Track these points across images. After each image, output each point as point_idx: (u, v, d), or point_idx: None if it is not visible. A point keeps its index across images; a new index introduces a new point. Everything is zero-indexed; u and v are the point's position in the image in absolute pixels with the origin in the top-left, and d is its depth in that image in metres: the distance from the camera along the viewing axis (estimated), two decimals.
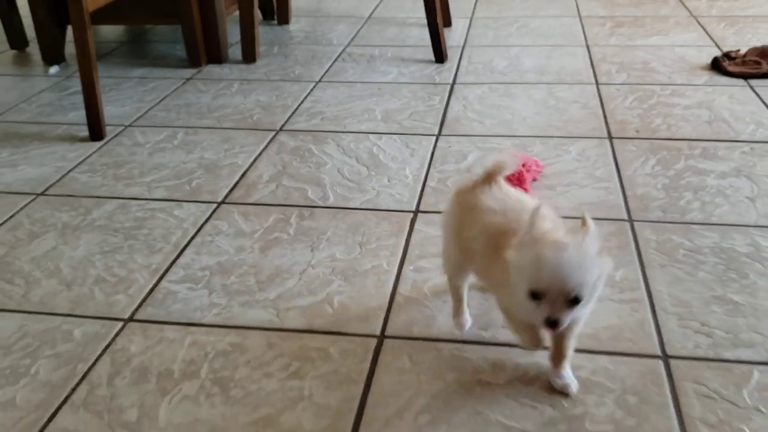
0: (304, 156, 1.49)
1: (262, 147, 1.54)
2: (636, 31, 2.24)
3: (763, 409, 0.82)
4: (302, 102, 1.78)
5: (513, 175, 1.31)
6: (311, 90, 1.86)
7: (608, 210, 1.24)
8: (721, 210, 1.22)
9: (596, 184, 1.33)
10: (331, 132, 1.60)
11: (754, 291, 1.02)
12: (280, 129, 1.63)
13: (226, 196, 1.34)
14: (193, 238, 1.21)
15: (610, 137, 1.52)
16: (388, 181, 1.38)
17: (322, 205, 1.30)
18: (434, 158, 1.46)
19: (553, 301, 0.73)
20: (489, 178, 0.89)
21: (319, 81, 1.92)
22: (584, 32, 2.26)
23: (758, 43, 2.03)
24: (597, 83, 1.82)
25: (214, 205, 1.31)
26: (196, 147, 1.55)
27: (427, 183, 1.37)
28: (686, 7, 2.48)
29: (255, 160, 1.48)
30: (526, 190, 1.28)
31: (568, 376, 0.85)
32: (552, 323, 0.74)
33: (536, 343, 0.84)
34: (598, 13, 2.46)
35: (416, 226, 1.22)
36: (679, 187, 1.30)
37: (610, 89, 1.78)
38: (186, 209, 1.30)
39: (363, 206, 1.29)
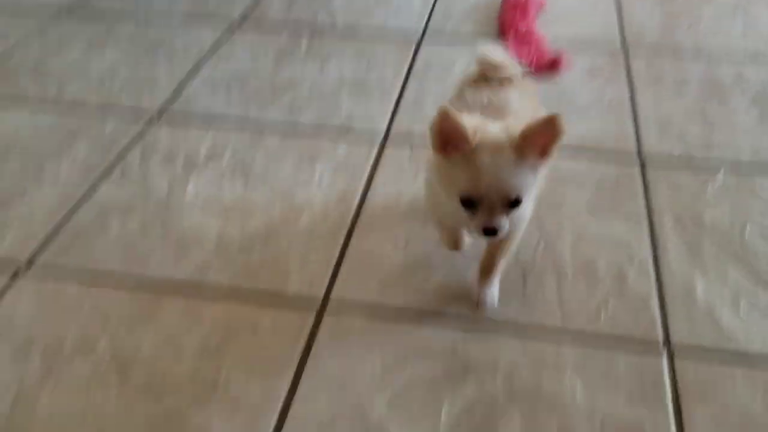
0: None
1: None
2: None
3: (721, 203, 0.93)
4: None
5: (516, 5, 1.37)
6: None
7: (605, 41, 1.31)
8: (710, 39, 1.29)
9: (596, 18, 1.39)
10: None
11: (733, 110, 1.10)
12: None
13: (244, 18, 1.40)
14: (211, 50, 1.29)
15: None
16: (395, 10, 1.43)
17: (330, 29, 1.37)
18: None
19: (490, 208, 0.65)
20: (481, 77, 0.80)
21: None
22: None
23: None
24: None
25: (229, 23, 1.38)
26: None
27: (434, 11, 1.42)
28: None
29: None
30: (528, 16, 1.34)
31: (491, 294, 0.79)
32: (490, 232, 0.66)
33: (457, 248, 0.82)
34: None
35: (422, 48, 1.30)
36: (676, 23, 1.36)
37: None
38: (203, 27, 1.37)
39: (371, 32, 1.35)
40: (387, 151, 1.03)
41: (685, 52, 1.26)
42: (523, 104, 0.76)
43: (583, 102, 1.13)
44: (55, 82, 1.19)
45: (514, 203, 0.64)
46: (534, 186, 0.66)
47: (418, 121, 1.07)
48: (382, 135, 1.06)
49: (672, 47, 1.28)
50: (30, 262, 0.84)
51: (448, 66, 1.22)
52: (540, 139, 0.62)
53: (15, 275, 0.83)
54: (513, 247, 0.77)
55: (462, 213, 0.66)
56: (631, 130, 1.06)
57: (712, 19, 1.37)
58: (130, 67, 1.23)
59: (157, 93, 1.16)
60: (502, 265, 0.78)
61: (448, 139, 0.63)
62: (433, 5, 1.44)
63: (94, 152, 1.02)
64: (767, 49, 1.27)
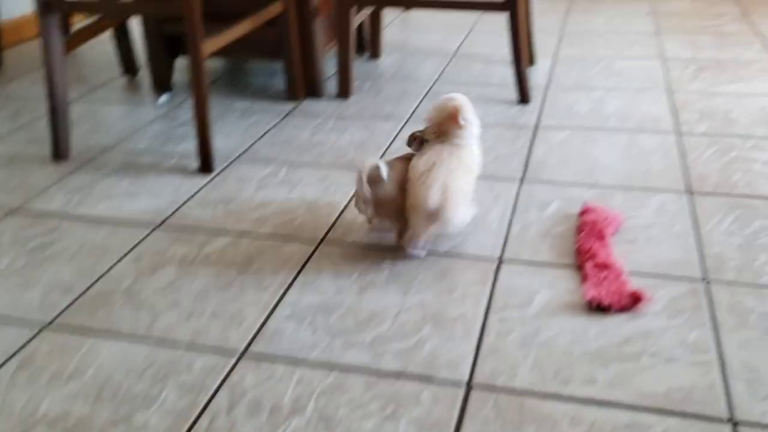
0: None
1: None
2: (718, 77, 2.27)
3: None
4: (393, 140, 1.90)
5: (593, 228, 1.39)
6: (402, 128, 1.98)
7: (685, 268, 1.31)
8: None
9: (673, 241, 1.40)
10: None
11: None
12: None
13: (325, 236, 1.47)
14: (295, 278, 1.34)
15: (690, 191, 1.58)
16: (473, 227, 1.48)
17: None
18: (518, 205, 1.55)
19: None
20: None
21: (408, 120, 2.04)
22: (667, 76, 2.30)
23: None
24: (678, 132, 1.88)
25: (314, 246, 1.44)
26: (298, 184, 1.69)
27: (510, 230, 1.46)
28: None
29: (350, 200, 1.61)
30: (606, 244, 1.35)
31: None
32: None
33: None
34: (681, 56, 2.50)
35: (500, 275, 1.32)
36: (755, 247, 1.36)
37: (691, 140, 1.83)
38: (290, 247, 1.44)
39: (450, 253, 1.39)
40: (470, 403, 1.03)
41: None
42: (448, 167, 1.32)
43: (666, 347, 1.12)
44: (148, 313, 1.25)
45: None
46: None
47: (501, 372, 1.08)
48: (464, 385, 1.06)
49: (754, 273, 1.27)
50: None
51: (527, 300, 1.24)
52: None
53: None
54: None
55: None
56: (719, 384, 1.04)
57: None
58: (219, 295, 1.29)
59: (244, 324, 1.21)
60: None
61: None
62: (510, 223, 1.48)
63: (182, 397, 1.06)
64: None
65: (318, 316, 1.23)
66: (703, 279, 1.28)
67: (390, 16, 3.24)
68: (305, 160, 1.81)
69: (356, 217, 1.53)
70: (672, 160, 1.72)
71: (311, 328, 1.20)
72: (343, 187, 1.67)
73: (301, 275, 1.34)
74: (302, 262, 1.38)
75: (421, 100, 2.19)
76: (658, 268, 1.31)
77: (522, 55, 2.07)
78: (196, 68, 1.70)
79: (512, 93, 2.18)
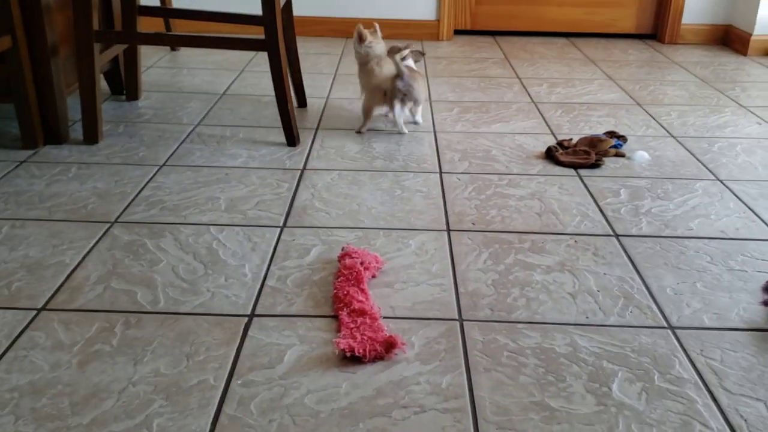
0: (137, 252, 1.43)
1: (93, 242, 1.47)
2: (481, 117, 2.35)
3: None
4: (142, 189, 1.72)
5: (351, 273, 1.32)
6: (154, 175, 1.81)
7: (441, 308, 1.27)
8: (544, 307, 1.28)
9: (432, 280, 1.36)
10: (170, 224, 1.55)
11: (570, 395, 1.06)
12: (115, 221, 1.56)
13: (48, 302, 1.26)
14: (5, 352, 1.12)
15: (449, 229, 1.57)
16: (225, 280, 1.35)
17: (150, 310, 1.25)
18: (276, 253, 1.45)
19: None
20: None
21: (164, 165, 1.88)
22: (433, 117, 2.34)
23: (590, 132, 2.19)
24: (441, 171, 1.89)
25: (33, 313, 1.23)
26: (21, 243, 1.45)
27: (265, 282, 1.34)
28: (528, 93, 2.64)
29: (84, 258, 1.41)
30: (362, 290, 1.28)
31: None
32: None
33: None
34: (448, 98, 2.57)
35: (250, 332, 1.20)
36: (508, 282, 1.36)
37: (452, 178, 1.85)
38: (1, 318, 1.21)
39: (195, 311, 1.25)
40: None
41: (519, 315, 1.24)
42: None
43: (419, 396, 1.05)
44: None
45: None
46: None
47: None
48: None
49: (507, 308, 1.26)
50: None
51: (277, 359, 1.12)
52: None
53: None
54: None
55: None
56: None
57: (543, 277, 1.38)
58: None
59: None
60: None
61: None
62: (266, 274, 1.37)
63: None
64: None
65: (24, 399, 1.02)
66: (459, 318, 1.24)
67: (155, 55, 3.05)
68: (34, 215, 1.58)
69: (89, 275, 1.34)
70: (434, 199, 1.72)
71: (12, 416, 0.99)
72: (76, 242, 1.46)
73: (10, 351, 1.13)
74: (13, 336, 1.16)
75: (181, 143, 2.03)
76: (415, 311, 1.26)
77: (286, 95, 1.99)
78: None
79: (281, 135, 2.10)
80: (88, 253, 1.43)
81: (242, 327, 1.21)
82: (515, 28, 3.63)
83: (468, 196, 1.74)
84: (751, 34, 3.28)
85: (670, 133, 2.22)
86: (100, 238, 1.48)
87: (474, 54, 3.25)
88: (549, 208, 1.68)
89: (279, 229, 1.55)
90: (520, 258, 1.45)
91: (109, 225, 1.54)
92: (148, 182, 1.77)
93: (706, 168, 1.94)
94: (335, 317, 1.23)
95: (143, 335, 1.18)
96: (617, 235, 1.55)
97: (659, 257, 1.46)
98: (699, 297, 1.32)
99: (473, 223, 1.59)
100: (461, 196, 1.74)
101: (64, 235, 1.49)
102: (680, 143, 2.13)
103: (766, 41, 3.28)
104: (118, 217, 1.58)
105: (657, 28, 3.59)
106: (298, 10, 3.48)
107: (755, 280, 1.38)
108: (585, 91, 2.68)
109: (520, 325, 1.23)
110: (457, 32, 3.64)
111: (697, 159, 2.00)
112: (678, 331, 1.22)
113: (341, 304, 1.25)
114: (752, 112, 2.44)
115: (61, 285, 1.32)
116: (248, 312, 1.25)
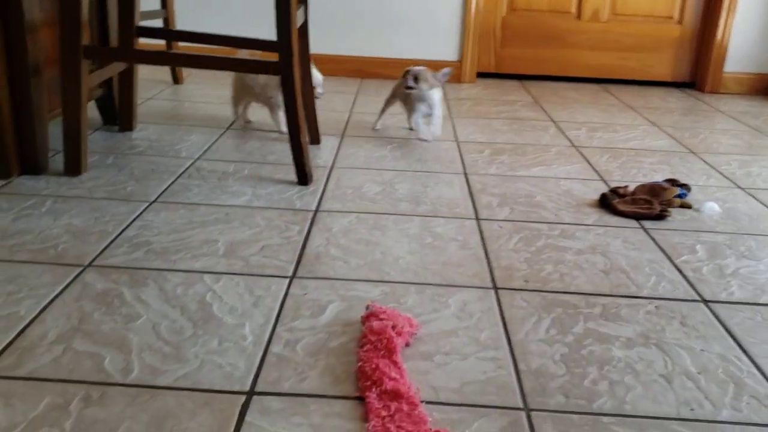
0: (111, 304, 1.14)
1: (59, 289, 1.18)
2: (517, 160, 2.08)
3: None
4: (126, 228, 1.44)
5: (380, 340, 1.02)
6: (142, 212, 1.53)
7: (499, 392, 0.97)
8: (633, 394, 0.98)
9: (482, 352, 1.07)
10: (155, 270, 1.27)
11: None
12: (89, 264, 1.28)
13: None
14: None
15: (496, 287, 1.28)
16: (219, 344, 1.05)
17: (120, 381, 0.95)
18: (284, 310, 1.16)
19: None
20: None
21: (154, 201, 1.60)
22: (462, 158, 2.08)
23: (644, 179, 1.92)
24: (477, 218, 1.61)
25: None
26: None
27: (270, 348, 1.05)
28: (567, 137, 2.38)
29: (44, 310, 1.12)
30: (396, 363, 0.99)
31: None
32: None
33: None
34: (477, 138, 2.31)
35: (248, 417, 0.90)
36: (581, 359, 1.06)
37: (492, 225, 1.57)
38: None
39: (177, 384, 0.95)
40: None
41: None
42: None
43: None
44: None
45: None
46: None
47: None
48: None
49: (585, 394, 0.95)
50: None
51: None
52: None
53: None
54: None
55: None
56: None
57: None
58: None
59: None
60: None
61: None
62: (271, 337, 1.08)
63: None
64: None
65: None
66: (524, 407, 0.94)
67: (156, 87, 2.81)
68: None
69: (47, 332, 1.05)
70: (473, 249, 1.43)
71: None
72: (37, 290, 1.17)
73: None
74: None
75: (177, 178, 1.76)
76: (464, 394, 0.96)
77: (300, 126, 1.73)
78: None
79: (291, 173, 1.83)
80: (50, 303, 1.14)
81: (238, 409, 0.91)
82: (543, 72, 3.40)
83: (514, 247, 1.46)
84: None
85: (736, 184, 1.94)
86: (67, 285, 1.20)
87: (501, 96, 3.01)
88: (616, 265, 1.39)
89: (288, 280, 1.26)
90: (591, 327, 1.15)
91: (81, 269, 1.26)
92: (134, 220, 1.49)
93: None
94: (361, 399, 0.94)
95: (106, 416, 0.88)
96: (705, 301, 1.26)
97: (764, 330, 1.17)
98: None
99: (526, 281, 1.31)
100: (506, 248, 1.45)
101: (23, 281, 1.20)
102: (751, 195, 1.85)
103: None
104: (94, 259, 1.30)
105: (695, 76, 3.36)
106: (313, 47, 3.25)
107: None
108: (630, 136, 2.42)
109: (605, 419, 0.93)
110: (480, 75, 3.41)
111: None
112: None
113: (369, 382, 0.95)
114: None
115: (9, 344, 1.02)
116: (246, 388, 0.95)
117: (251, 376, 0.98)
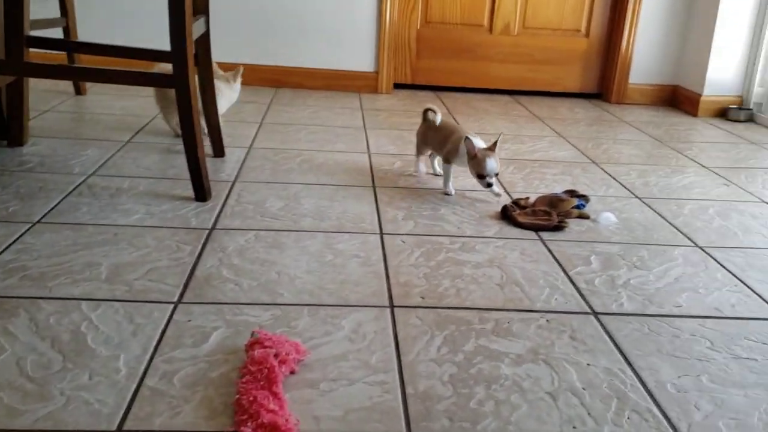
0: None
1: None
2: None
3: None
4: (2, 253, 1.35)
5: (260, 370, 0.98)
6: (21, 235, 1.44)
7: (384, 418, 0.94)
8: (518, 413, 0.97)
9: (371, 376, 1.04)
10: (28, 299, 1.19)
11: None
12: None
13: None
14: None
15: (392, 306, 1.25)
16: (89, 378, 0.99)
17: None
18: (164, 339, 1.10)
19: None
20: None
21: (37, 222, 1.51)
22: (372, 171, 2.06)
23: (546, 190, 1.94)
24: (381, 232, 1.59)
25: None
26: None
27: (144, 381, 0.99)
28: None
29: None
30: (276, 394, 0.95)
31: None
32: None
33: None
34: (388, 150, 2.30)
35: None
36: (470, 378, 1.04)
37: (396, 240, 1.54)
38: None
39: (36, 426, 0.88)
40: None
41: None
42: None
43: None
44: None
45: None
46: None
47: None
48: None
49: (470, 416, 0.94)
50: None
51: None
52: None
53: None
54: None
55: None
56: None
57: None
58: None
59: None
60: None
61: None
62: (146, 369, 1.02)
63: None
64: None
65: None
66: None
67: (55, 99, 2.69)
68: None
69: None
70: (373, 266, 1.41)
71: None
72: None
73: None
74: None
75: (65, 196, 1.67)
76: (348, 423, 0.93)
77: (195, 138, 1.67)
78: None
79: (189, 188, 1.76)
80: None
81: None
82: (457, 83, 3.43)
83: (415, 262, 1.44)
84: (700, 95, 3.15)
85: (633, 194, 1.98)
86: None
87: (416, 108, 3.01)
88: (511, 278, 1.39)
89: (172, 306, 1.20)
90: (482, 344, 1.14)
91: None
92: (11, 243, 1.40)
93: (681, 233, 1.70)
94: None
95: None
96: (596, 313, 1.27)
97: (650, 342, 1.18)
98: (708, 395, 1.04)
99: (422, 297, 1.29)
100: (406, 263, 1.43)
101: None
102: (647, 204, 1.90)
103: (716, 102, 3.16)
104: None
105: (603, 87, 3.45)
106: (225, 56, 3.17)
107: None
108: (536, 147, 2.45)
109: None
110: (397, 86, 3.41)
111: (669, 222, 1.76)
112: None
113: (245, 416, 0.90)
114: (716, 173, 2.25)
115: None
116: (114, 427, 0.90)
117: (120, 413, 0.92)
